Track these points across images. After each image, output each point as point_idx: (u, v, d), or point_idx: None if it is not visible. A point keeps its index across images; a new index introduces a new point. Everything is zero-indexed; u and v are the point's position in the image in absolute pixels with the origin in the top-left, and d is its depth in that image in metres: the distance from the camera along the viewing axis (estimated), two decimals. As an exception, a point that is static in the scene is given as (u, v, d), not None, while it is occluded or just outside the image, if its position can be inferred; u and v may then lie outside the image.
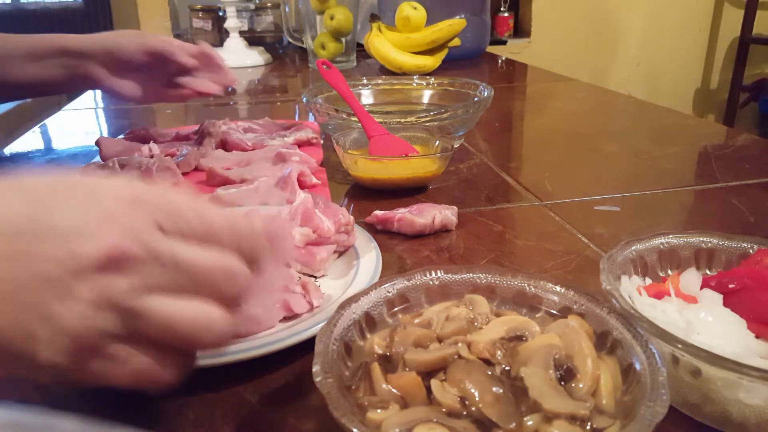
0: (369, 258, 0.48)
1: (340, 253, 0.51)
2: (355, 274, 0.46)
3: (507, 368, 0.30)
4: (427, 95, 1.00)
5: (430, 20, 1.36)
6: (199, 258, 0.26)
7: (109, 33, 0.74)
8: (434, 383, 0.29)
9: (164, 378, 0.27)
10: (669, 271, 0.40)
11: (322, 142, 0.84)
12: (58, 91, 0.81)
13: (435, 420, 0.27)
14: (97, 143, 0.78)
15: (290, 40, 1.64)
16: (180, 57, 0.73)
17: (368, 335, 0.34)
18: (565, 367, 0.29)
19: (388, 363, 0.31)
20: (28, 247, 0.23)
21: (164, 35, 0.76)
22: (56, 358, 0.24)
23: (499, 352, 0.31)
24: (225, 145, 0.81)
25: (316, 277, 0.48)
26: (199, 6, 1.79)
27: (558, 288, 0.36)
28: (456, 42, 1.41)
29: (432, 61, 1.35)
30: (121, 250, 0.24)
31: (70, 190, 0.26)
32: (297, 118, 0.94)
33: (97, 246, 0.24)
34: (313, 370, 0.28)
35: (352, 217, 0.49)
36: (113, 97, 0.83)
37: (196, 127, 0.86)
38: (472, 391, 0.28)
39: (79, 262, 0.23)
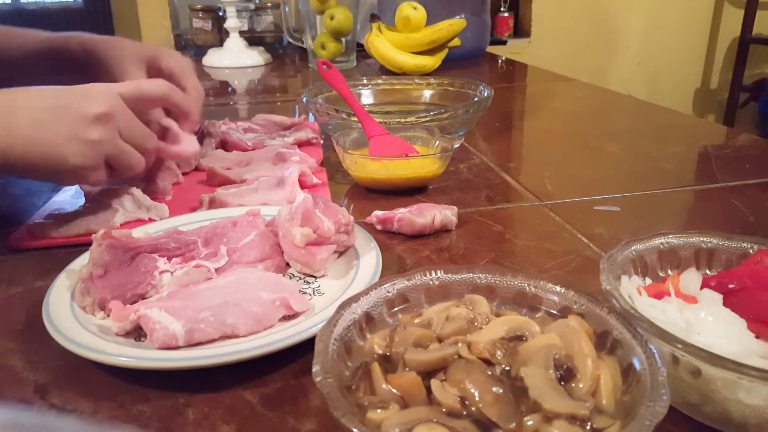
0: (369, 258, 0.48)
1: (340, 253, 0.51)
2: (355, 274, 0.46)
3: (507, 368, 0.30)
4: (427, 95, 1.00)
5: (430, 20, 1.36)
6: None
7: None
8: (434, 383, 0.29)
9: (139, 162, 0.56)
10: (669, 271, 0.40)
11: (322, 142, 0.84)
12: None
13: (435, 420, 0.27)
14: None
15: (290, 40, 1.64)
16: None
17: (368, 335, 0.34)
18: (565, 367, 0.29)
19: (388, 363, 0.31)
20: (60, 108, 0.51)
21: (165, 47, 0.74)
22: (81, 161, 0.51)
23: (499, 352, 0.31)
24: (225, 145, 0.81)
25: (316, 277, 0.48)
26: (199, 6, 1.79)
27: (558, 288, 0.36)
28: (456, 42, 1.41)
29: (432, 61, 1.35)
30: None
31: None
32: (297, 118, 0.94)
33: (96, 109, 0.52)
34: (313, 370, 0.28)
35: (352, 217, 0.49)
36: None
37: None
38: (472, 391, 0.28)
39: (88, 117, 0.51)
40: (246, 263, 0.47)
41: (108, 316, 0.41)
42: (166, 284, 0.45)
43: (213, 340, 0.39)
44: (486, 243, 0.55)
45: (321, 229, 0.48)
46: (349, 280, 0.45)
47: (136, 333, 0.40)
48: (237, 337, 0.39)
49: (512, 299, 0.37)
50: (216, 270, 0.46)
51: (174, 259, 0.46)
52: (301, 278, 0.48)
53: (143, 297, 0.44)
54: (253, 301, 0.41)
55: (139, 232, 0.51)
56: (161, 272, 0.45)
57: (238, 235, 0.50)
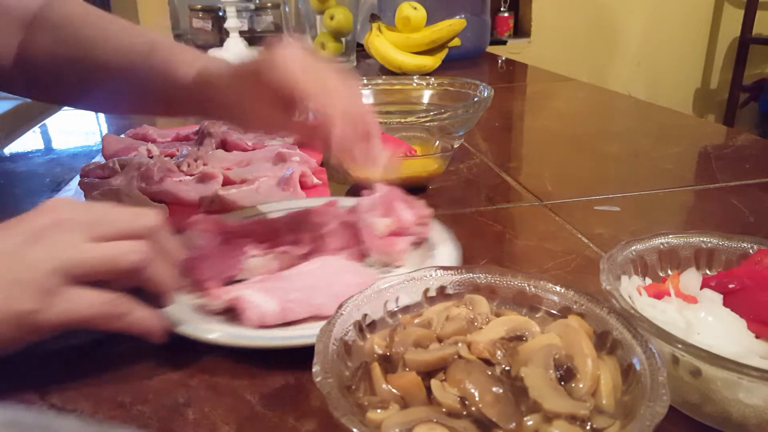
0: (445, 249, 0.48)
1: (415, 245, 0.51)
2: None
3: (507, 368, 0.30)
4: (427, 95, 1.00)
5: (430, 20, 1.36)
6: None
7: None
8: (434, 383, 0.29)
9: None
10: (669, 271, 0.40)
11: (322, 142, 0.84)
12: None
13: (435, 420, 0.27)
14: (104, 139, 0.79)
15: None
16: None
17: (368, 335, 0.34)
18: (565, 367, 0.29)
19: (388, 363, 0.31)
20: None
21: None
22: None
23: (499, 352, 0.31)
24: (225, 145, 0.80)
25: (392, 268, 0.48)
26: (199, 6, 1.79)
27: (558, 288, 0.36)
28: (456, 42, 1.41)
29: (432, 61, 1.35)
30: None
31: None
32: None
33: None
34: (313, 370, 0.28)
35: (431, 210, 0.50)
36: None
37: (196, 127, 0.86)
38: (472, 391, 0.28)
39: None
40: (328, 252, 0.49)
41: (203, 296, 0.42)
42: (254, 268, 0.46)
43: (303, 320, 0.40)
44: (486, 243, 0.55)
45: (401, 220, 0.49)
46: None
47: (229, 313, 0.41)
48: (324, 318, 0.35)
49: (512, 299, 0.37)
50: (301, 257, 0.48)
51: (262, 245, 0.48)
52: (378, 268, 0.49)
53: (234, 279, 0.45)
54: (341, 285, 0.42)
55: (226, 218, 0.52)
56: (250, 257, 0.47)
57: (319, 224, 0.51)
